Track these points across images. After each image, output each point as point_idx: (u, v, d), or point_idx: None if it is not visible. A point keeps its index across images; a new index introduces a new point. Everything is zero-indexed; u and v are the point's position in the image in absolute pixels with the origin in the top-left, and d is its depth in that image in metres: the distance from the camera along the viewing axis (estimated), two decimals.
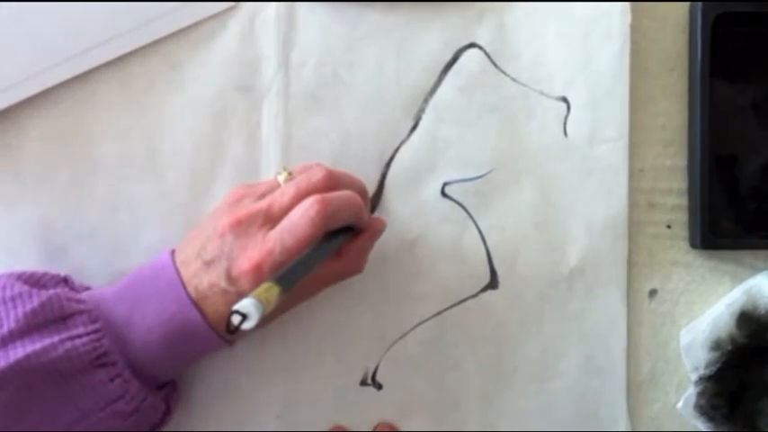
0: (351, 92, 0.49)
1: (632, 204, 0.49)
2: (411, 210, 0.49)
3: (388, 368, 0.49)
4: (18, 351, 0.39)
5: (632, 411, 0.49)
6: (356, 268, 0.45)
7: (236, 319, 0.32)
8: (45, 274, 0.44)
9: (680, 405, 0.49)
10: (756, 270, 0.49)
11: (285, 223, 0.41)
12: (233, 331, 0.32)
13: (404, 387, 0.49)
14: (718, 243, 0.48)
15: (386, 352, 0.49)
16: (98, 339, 0.40)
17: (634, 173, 0.49)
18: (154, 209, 0.48)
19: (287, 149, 0.48)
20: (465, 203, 0.49)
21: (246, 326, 0.32)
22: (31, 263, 0.47)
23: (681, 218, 0.49)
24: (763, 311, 0.48)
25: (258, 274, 0.40)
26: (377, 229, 0.46)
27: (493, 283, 0.49)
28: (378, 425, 0.49)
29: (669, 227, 0.49)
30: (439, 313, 0.49)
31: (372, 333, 0.49)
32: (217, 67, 0.48)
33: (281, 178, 0.44)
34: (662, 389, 0.49)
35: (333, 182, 0.43)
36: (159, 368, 0.43)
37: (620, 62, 0.49)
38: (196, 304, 0.41)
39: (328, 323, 0.49)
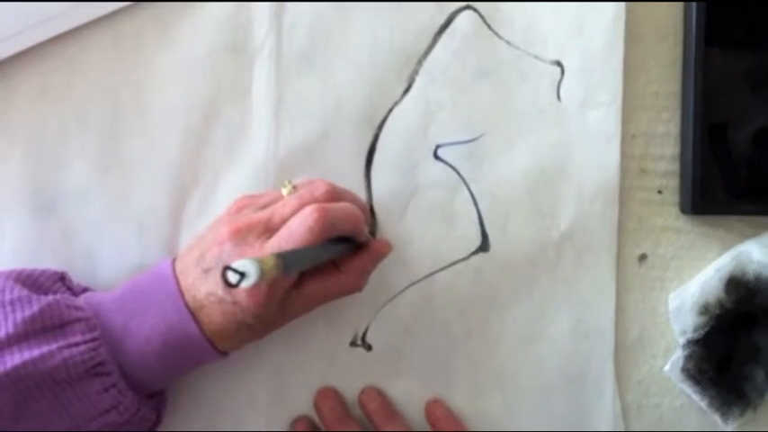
0: (343, 53, 0.48)
1: (624, 170, 0.49)
2: (403, 172, 0.49)
3: (377, 330, 0.49)
4: (15, 357, 0.38)
5: (620, 375, 0.49)
6: (355, 286, 0.45)
7: (233, 278, 0.31)
8: (42, 273, 0.44)
9: (667, 368, 0.49)
10: (746, 237, 0.50)
11: (283, 231, 0.41)
12: (232, 286, 0.31)
13: (393, 348, 0.49)
14: (708, 209, 0.48)
15: (376, 314, 0.49)
16: (95, 348, 0.40)
17: (626, 139, 0.49)
18: (144, 168, 0.48)
19: (278, 110, 0.48)
20: (457, 167, 0.49)
21: (245, 283, 0.31)
22: (20, 220, 0.47)
23: (672, 184, 0.50)
24: (751, 277, 0.48)
25: (256, 285, 0.39)
26: (380, 251, 0.46)
27: (484, 247, 0.49)
28: (363, 391, 0.49)
29: (660, 192, 0.50)
30: (429, 276, 0.49)
31: (363, 295, 0.48)
32: (208, 26, 0.48)
33: (284, 191, 0.45)
34: (649, 353, 0.50)
35: (335, 195, 0.43)
36: (153, 378, 0.42)
37: (614, 28, 0.49)
38: (193, 314, 0.41)
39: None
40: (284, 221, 0.41)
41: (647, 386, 0.50)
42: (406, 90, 0.49)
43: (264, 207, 0.44)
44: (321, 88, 0.48)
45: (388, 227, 0.49)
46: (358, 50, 0.48)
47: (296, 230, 0.40)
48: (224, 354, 0.43)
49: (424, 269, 0.49)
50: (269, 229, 0.41)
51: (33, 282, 0.43)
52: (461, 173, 0.49)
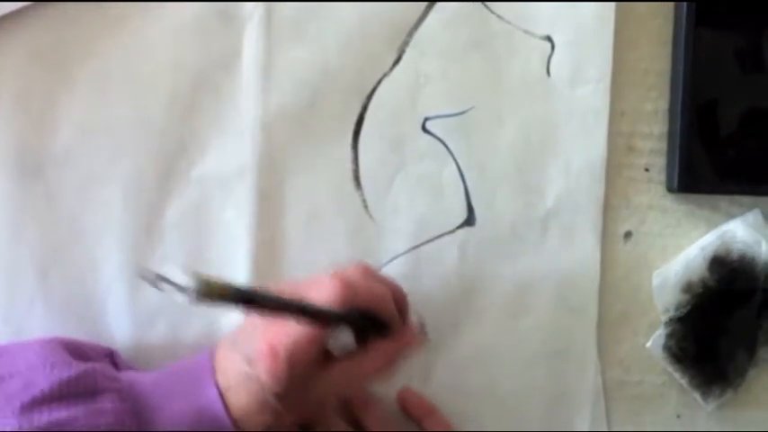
0: (334, 23, 0.48)
1: (611, 147, 0.49)
2: (391, 144, 0.49)
3: None
4: (43, 417, 0.38)
5: (602, 351, 0.50)
6: (381, 371, 0.43)
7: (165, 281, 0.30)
8: (94, 348, 0.44)
9: (649, 344, 0.49)
10: (731, 216, 0.50)
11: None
12: (158, 280, 0.30)
13: None
14: (694, 187, 0.48)
15: None
16: (122, 420, 0.40)
17: (615, 116, 0.49)
18: (131, 134, 0.48)
19: (268, 78, 0.48)
20: (445, 140, 0.49)
21: (180, 297, 0.30)
22: (4, 183, 0.47)
23: (659, 162, 0.50)
24: (735, 257, 0.48)
25: (274, 356, 0.38)
26: (409, 340, 0.44)
27: (470, 221, 0.49)
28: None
29: (647, 170, 0.50)
30: (414, 248, 0.49)
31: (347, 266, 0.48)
32: None
33: None
34: (632, 330, 0.50)
35: (367, 274, 0.42)
36: None
37: (605, 4, 0.49)
38: (222, 396, 0.41)
39: (304, 253, 0.49)
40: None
41: (628, 363, 0.50)
42: (396, 61, 0.48)
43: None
44: (310, 57, 0.48)
45: (374, 197, 0.49)
46: (348, 20, 0.48)
47: (314, 300, 0.39)
48: None
49: (409, 242, 0.49)
50: None
51: (81, 353, 0.43)
52: (449, 146, 0.49)
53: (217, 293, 0.31)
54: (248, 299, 0.35)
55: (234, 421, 0.41)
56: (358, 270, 0.43)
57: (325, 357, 0.41)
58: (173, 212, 0.48)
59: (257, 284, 0.47)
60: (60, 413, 0.39)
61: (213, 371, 0.41)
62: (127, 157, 0.48)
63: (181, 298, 0.29)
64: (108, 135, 0.47)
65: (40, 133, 0.47)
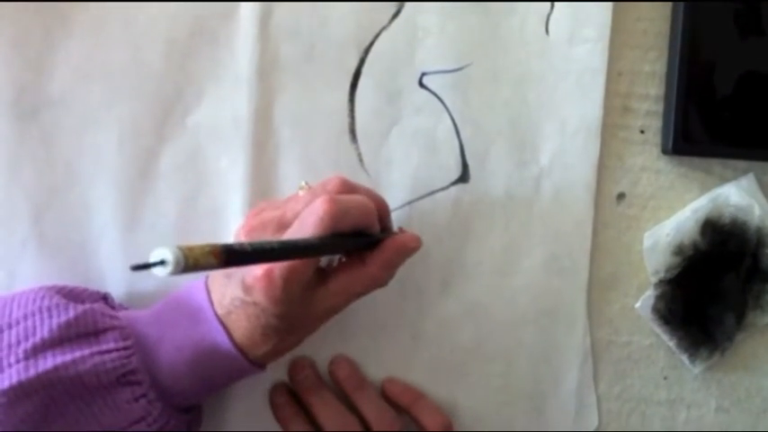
0: None
1: (607, 107, 0.49)
2: (387, 98, 0.49)
3: None
4: (48, 361, 0.39)
5: (591, 312, 0.50)
6: (381, 280, 0.43)
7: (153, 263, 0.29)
8: (84, 290, 0.44)
9: (638, 305, 0.49)
10: (725, 180, 0.50)
11: (295, 225, 0.40)
12: (139, 268, 0.28)
13: None
14: (689, 149, 0.48)
15: None
16: (127, 356, 0.40)
17: (612, 76, 0.49)
18: (127, 79, 0.48)
19: (265, 27, 0.48)
20: (442, 95, 0.49)
21: (161, 272, 0.28)
22: (1, 126, 0.47)
23: (654, 124, 0.50)
24: (727, 220, 0.48)
25: (270, 280, 0.38)
26: (407, 245, 0.43)
27: (464, 177, 0.49)
28: (333, 361, 0.49)
29: (642, 132, 0.50)
30: (408, 203, 0.49)
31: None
32: None
33: (300, 192, 0.45)
34: (622, 291, 0.50)
35: (347, 188, 0.42)
36: (185, 390, 0.42)
37: None
38: (222, 322, 0.41)
39: None
40: (296, 215, 0.41)
41: (617, 324, 0.50)
42: (395, 15, 0.48)
43: (280, 207, 0.43)
44: (309, 8, 0.48)
45: (370, 152, 0.49)
46: None
47: (306, 221, 0.39)
48: (259, 366, 0.43)
49: (403, 197, 0.49)
50: (283, 225, 0.41)
51: (75, 297, 0.43)
52: (445, 101, 0.49)
53: (203, 255, 0.30)
54: (239, 256, 0.33)
55: (238, 348, 0.41)
56: (338, 184, 0.42)
57: (320, 273, 0.42)
58: (167, 159, 0.48)
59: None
60: (65, 356, 0.39)
61: (210, 301, 0.41)
62: (123, 103, 0.48)
63: (170, 271, 0.28)
64: (104, 80, 0.47)
65: (37, 76, 0.47)
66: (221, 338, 0.41)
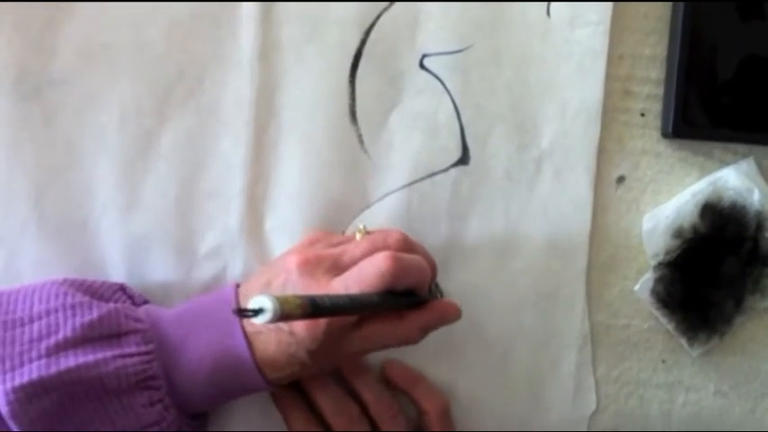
0: None
1: (608, 90, 0.49)
2: (388, 79, 0.49)
3: None
4: (69, 360, 0.39)
5: (590, 294, 0.50)
6: (413, 339, 0.43)
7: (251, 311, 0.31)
8: (102, 284, 0.44)
9: (637, 288, 0.50)
10: (725, 164, 0.50)
11: (353, 272, 0.40)
12: (242, 315, 0.32)
13: None
14: (689, 133, 0.49)
15: (353, 220, 0.49)
16: (148, 361, 0.40)
17: (613, 59, 0.49)
18: (129, 59, 0.48)
19: (267, 8, 0.48)
20: (443, 77, 0.49)
21: (259, 320, 0.31)
22: (2, 105, 0.47)
23: (655, 107, 0.50)
24: (726, 204, 0.48)
25: (316, 319, 0.39)
26: (448, 314, 0.44)
27: (464, 159, 0.49)
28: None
29: (643, 115, 0.50)
30: (408, 185, 0.49)
31: (340, 201, 0.49)
32: None
33: (358, 235, 0.45)
34: (621, 274, 0.50)
35: (407, 246, 0.43)
36: (200, 399, 0.42)
37: None
38: (248, 339, 0.41)
39: (298, 187, 0.49)
40: (354, 262, 0.41)
41: (616, 307, 0.50)
42: None
43: (337, 245, 0.44)
44: None
45: (369, 133, 0.49)
46: None
47: (366, 273, 0.40)
48: (272, 386, 0.43)
49: (403, 178, 0.49)
50: (337, 267, 0.42)
51: (94, 291, 0.43)
52: (446, 83, 0.49)
53: (293, 308, 0.32)
54: (330, 308, 0.36)
55: (259, 368, 0.41)
56: (400, 240, 0.43)
57: (361, 318, 0.42)
58: (168, 140, 0.48)
59: (248, 215, 0.48)
60: (87, 357, 0.39)
61: None
62: (124, 83, 0.48)
63: (264, 320, 0.31)
64: (106, 60, 0.48)
65: (39, 56, 0.47)
66: (245, 356, 0.41)
